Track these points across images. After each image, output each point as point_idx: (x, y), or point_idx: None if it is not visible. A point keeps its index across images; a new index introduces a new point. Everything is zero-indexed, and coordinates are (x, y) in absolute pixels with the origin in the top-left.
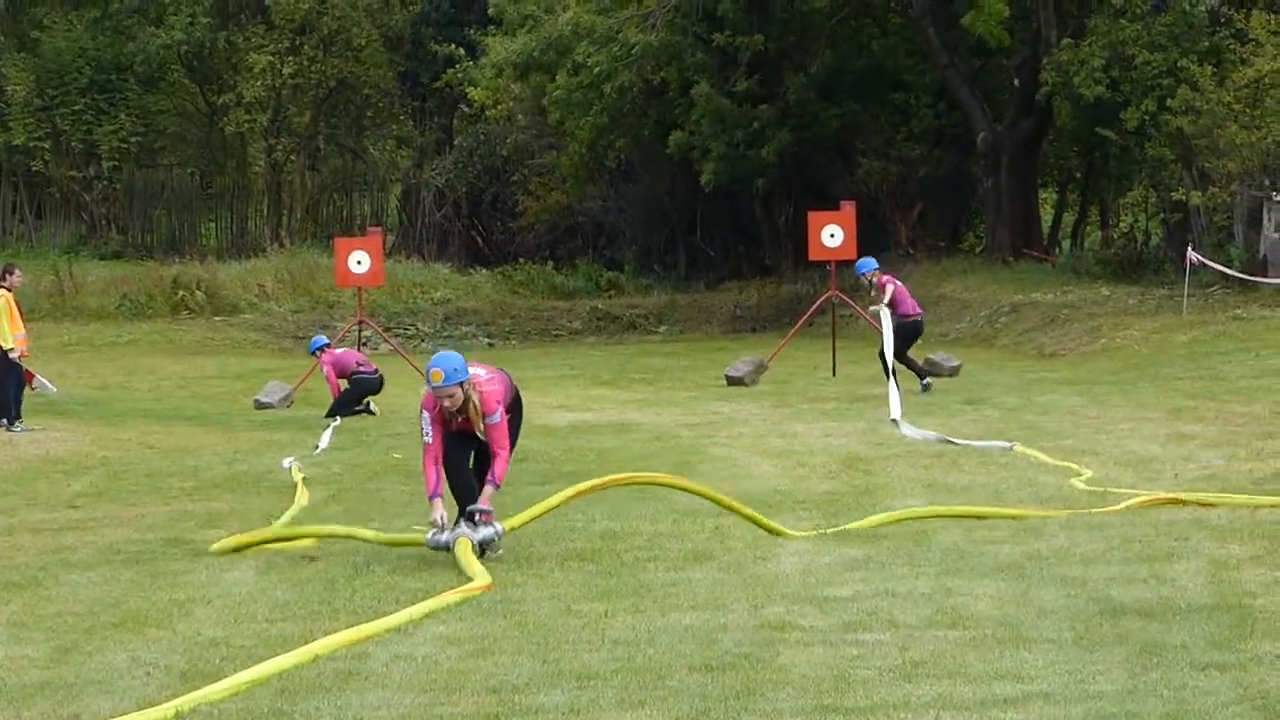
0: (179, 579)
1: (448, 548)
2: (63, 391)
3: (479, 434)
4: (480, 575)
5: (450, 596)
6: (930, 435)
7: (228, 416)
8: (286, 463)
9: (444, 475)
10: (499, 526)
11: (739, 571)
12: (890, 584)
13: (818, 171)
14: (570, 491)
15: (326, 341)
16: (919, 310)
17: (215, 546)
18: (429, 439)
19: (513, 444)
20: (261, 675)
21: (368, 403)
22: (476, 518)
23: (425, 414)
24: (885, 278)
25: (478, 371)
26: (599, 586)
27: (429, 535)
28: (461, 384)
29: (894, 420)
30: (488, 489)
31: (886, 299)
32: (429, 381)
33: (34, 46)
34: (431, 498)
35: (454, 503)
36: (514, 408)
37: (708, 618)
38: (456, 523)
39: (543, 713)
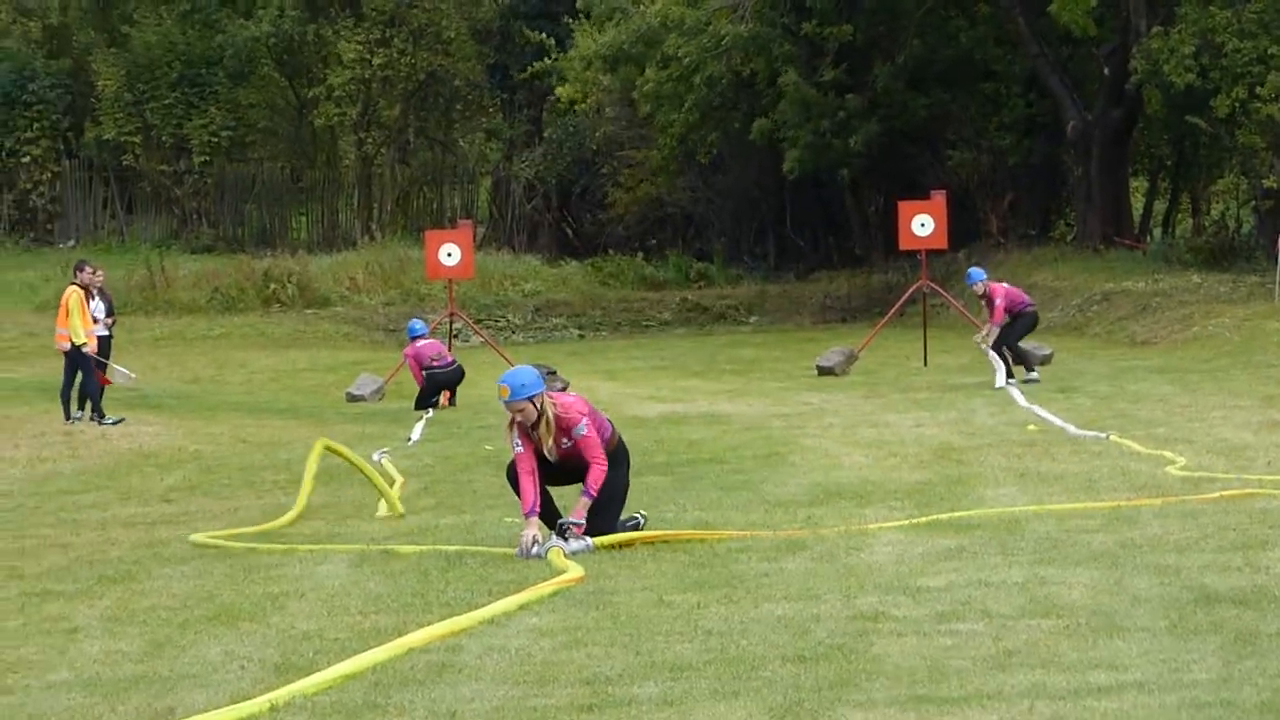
0: (272, 572)
1: (540, 557)
2: (155, 385)
3: (553, 456)
4: (573, 569)
5: (544, 588)
6: (1037, 410)
7: (319, 409)
8: (378, 455)
9: (538, 487)
10: (590, 541)
11: (832, 561)
12: (983, 573)
13: (907, 161)
14: (653, 534)
15: (425, 329)
16: (1032, 302)
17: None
18: (519, 448)
19: (621, 500)
20: (355, 668)
21: (435, 400)
22: (568, 531)
23: (507, 430)
24: (995, 288)
25: (564, 395)
26: (691, 577)
27: (518, 548)
28: (532, 398)
29: (1001, 387)
30: (583, 500)
31: (993, 325)
32: (500, 397)
33: (124, 41)
34: (528, 514)
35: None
36: (619, 456)
37: (801, 608)
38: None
39: (636, 704)
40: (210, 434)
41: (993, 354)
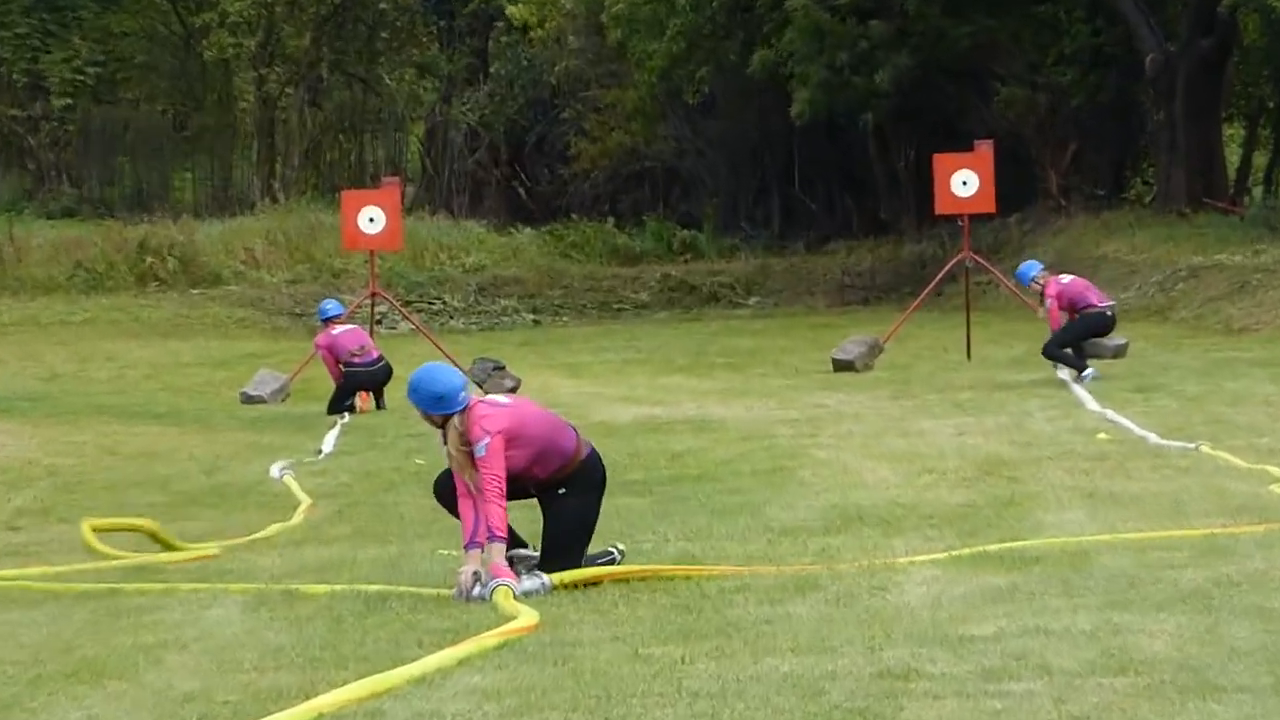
0: (145, 618)
1: (483, 600)
2: (4, 385)
3: (470, 483)
4: (525, 614)
5: (488, 639)
6: (1110, 414)
7: (208, 413)
8: (277, 470)
9: (480, 511)
10: (546, 579)
11: (851, 605)
12: (1042, 619)
13: (945, 103)
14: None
15: (341, 310)
16: (1106, 299)
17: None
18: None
19: (588, 531)
20: None
21: (352, 403)
22: (520, 566)
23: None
24: (1050, 282)
25: (489, 404)
26: (674, 625)
27: (456, 588)
28: (427, 413)
29: (1064, 379)
30: (493, 545)
31: (1044, 311)
32: None
33: None
34: (467, 546)
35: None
36: (586, 477)
37: (812, 664)
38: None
39: None
40: (70, 444)
41: (1056, 364)
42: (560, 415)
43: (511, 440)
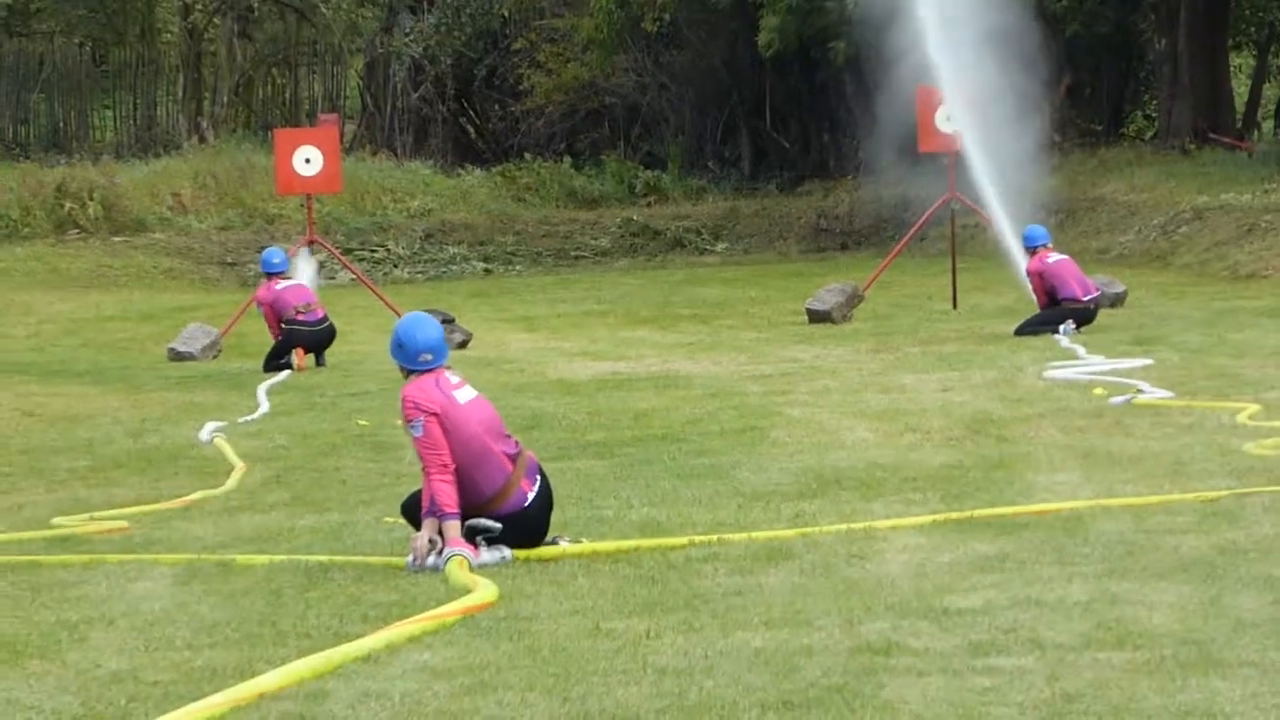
0: (69, 592)
1: (436, 570)
2: None
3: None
4: (482, 587)
5: (445, 614)
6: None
7: (132, 371)
8: (207, 433)
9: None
10: (507, 551)
11: (828, 575)
12: (1034, 590)
13: None
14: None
15: (283, 263)
16: (1091, 290)
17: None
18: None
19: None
20: None
21: (288, 360)
22: (478, 539)
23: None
24: (1036, 258)
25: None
26: (638, 597)
27: (410, 556)
28: (401, 365)
29: (1056, 335)
30: (446, 522)
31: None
32: None
33: None
34: (428, 514)
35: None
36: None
37: (786, 638)
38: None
39: None
40: None
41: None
42: (507, 443)
43: (445, 431)
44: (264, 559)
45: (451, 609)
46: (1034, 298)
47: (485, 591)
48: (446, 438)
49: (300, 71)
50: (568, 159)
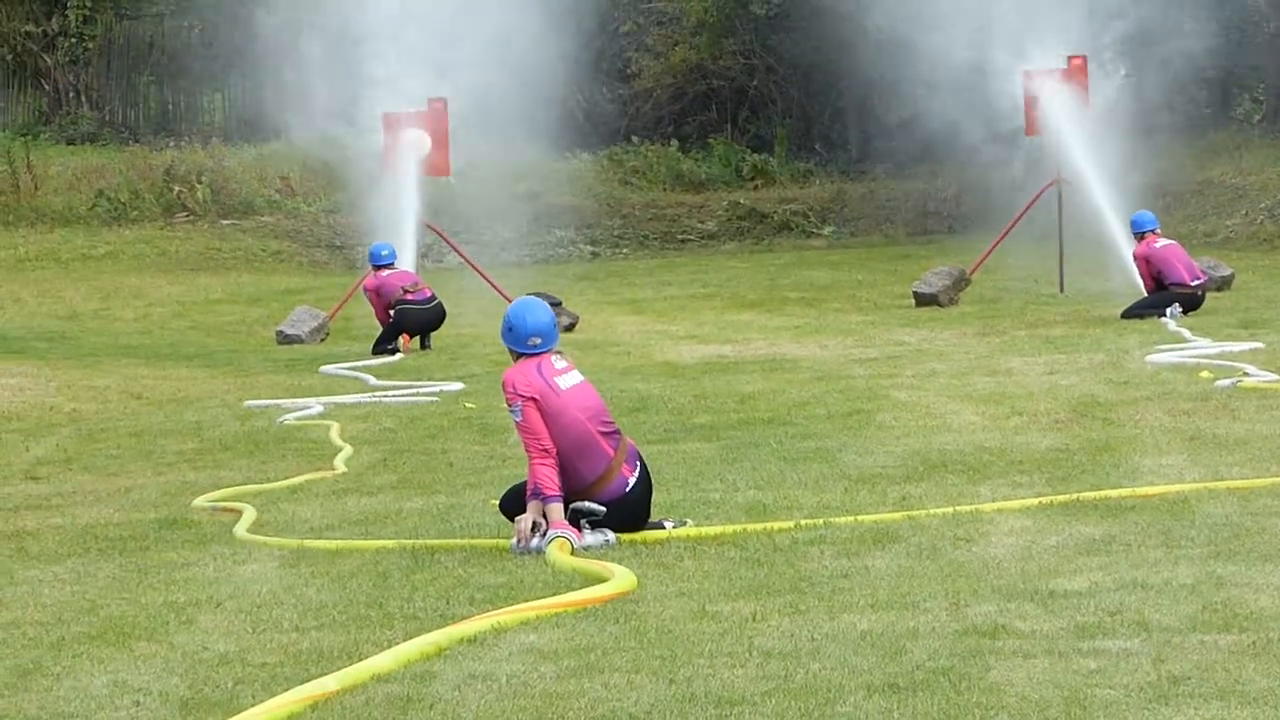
0: (176, 575)
1: (539, 552)
2: (17, 323)
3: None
4: (619, 574)
5: (572, 600)
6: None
7: (240, 354)
8: (287, 417)
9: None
10: (610, 534)
11: (934, 557)
12: (1140, 572)
13: None
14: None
15: (391, 255)
16: (1198, 275)
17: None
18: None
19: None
20: (291, 705)
21: (395, 345)
22: (584, 518)
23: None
24: (1144, 242)
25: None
26: (744, 580)
27: (514, 539)
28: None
29: (1163, 318)
30: (551, 505)
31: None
32: None
33: None
34: (533, 497)
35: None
36: (618, 517)
37: (892, 620)
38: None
39: None
40: (93, 388)
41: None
42: (609, 429)
43: (545, 416)
44: (372, 544)
45: (592, 595)
46: (1140, 282)
47: (623, 580)
48: (546, 423)
49: None
50: (675, 142)
